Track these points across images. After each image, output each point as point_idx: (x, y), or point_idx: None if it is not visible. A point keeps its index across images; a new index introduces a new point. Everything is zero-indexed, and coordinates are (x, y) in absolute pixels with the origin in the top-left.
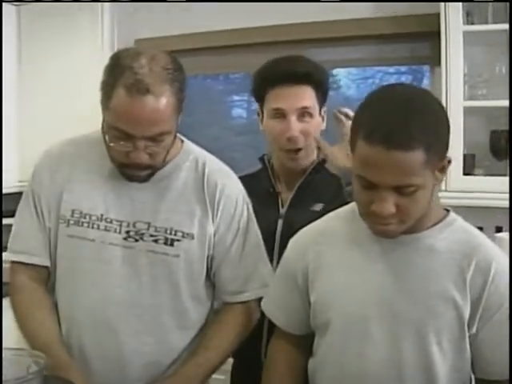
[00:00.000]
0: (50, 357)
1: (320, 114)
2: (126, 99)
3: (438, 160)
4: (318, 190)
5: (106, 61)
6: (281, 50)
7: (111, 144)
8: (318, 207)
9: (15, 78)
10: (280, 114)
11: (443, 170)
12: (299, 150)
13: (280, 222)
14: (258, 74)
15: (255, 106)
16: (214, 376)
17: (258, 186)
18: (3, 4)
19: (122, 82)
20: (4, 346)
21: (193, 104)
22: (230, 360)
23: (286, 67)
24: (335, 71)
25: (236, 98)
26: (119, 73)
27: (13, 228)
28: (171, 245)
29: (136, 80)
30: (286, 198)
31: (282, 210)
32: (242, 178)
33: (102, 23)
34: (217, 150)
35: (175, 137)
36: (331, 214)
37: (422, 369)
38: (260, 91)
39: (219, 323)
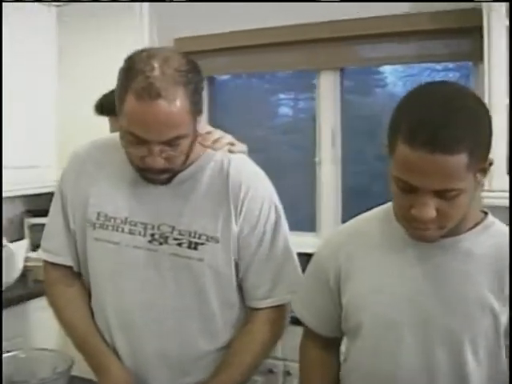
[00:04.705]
0: (88, 346)
1: None
2: (137, 104)
3: (481, 162)
4: None
5: None
6: (325, 47)
7: (127, 149)
8: None
9: (55, 79)
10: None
11: (484, 172)
12: None
13: None
14: None
15: (302, 104)
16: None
17: None
18: (43, 5)
19: (133, 86)
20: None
21: (238, 103)
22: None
23: None
24: (381, 69)
25: (282, 96)
26: (131, 77)
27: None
28: (195, 248)
29: (147, 84)
30: None
31: None
32: None
33: (142, 23)
34: (263, 149)
35: (195, 139)
36: (367, 214)
37: (456, 378)
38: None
39: (245, 335)
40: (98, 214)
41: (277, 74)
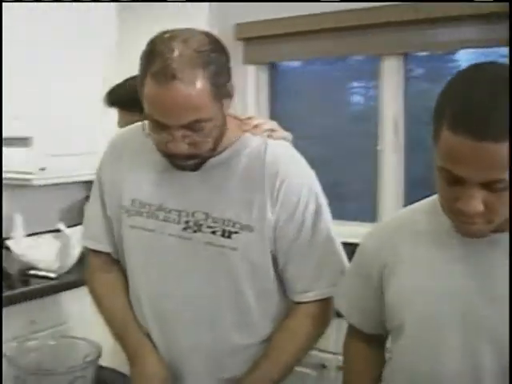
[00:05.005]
0: (125, 335)
1: None
2: (154, 87)
3: None
4: None
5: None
6: (387, 32)
7: (152, 135)
8: None
9: (114, 66)
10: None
11: None
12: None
13: None
14: None
15: (372, 92)
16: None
17: None
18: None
19: (151, 69)
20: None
21: (307, 91)
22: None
23: None
24: (456, 56)
25: (355, 84)
26: (150, 59)
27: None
28: (229, 237)
29: (163, 66)
30: None
31: None
32: None
33: (202, 9)
34: (333, 137)
35: (223, 123)
36: (413, 206)
37: (503, 380)
38: None
39: (285, 330)
40: (133, 200)
41: (348, 60)
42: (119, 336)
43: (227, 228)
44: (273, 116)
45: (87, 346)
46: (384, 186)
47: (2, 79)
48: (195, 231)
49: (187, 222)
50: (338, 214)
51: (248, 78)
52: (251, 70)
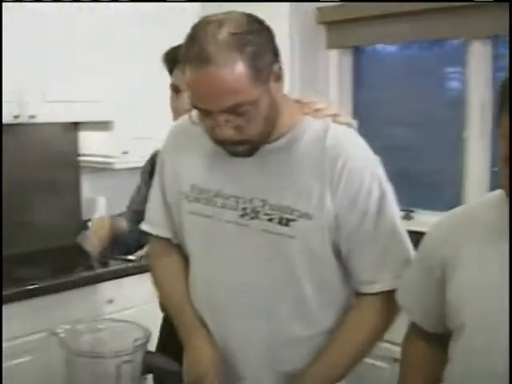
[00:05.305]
0: (180, 320)
1: None
2: (191, 73)
3: None
4: None
5: (285, 31)
6: (474, 13)
7: (201, 122)
8: None
9: None
10: None
11: None
12: None
13: None
14: None
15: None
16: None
17: None
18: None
19: (189, 55)
20: None
21: (398, 76)
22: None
23: None
24: None
25: (450, 69)
26: (189, 45)
27: None
28: (286, 225)
29: (199, 51)
30: None
31: None
32: None
33: None
34: (425, 124)
35: (274, 107)
36: (484, 198)
37: None
38: None
39: (350, 322)
40: (192, 186)
41: (443, 45)
42: (175, 319)
43: (285, 215)
44: (356, 102)
45: (137, 330)
46: (469, 174)
47: (1, 67)
48: (252, 218)
49: (244, 209)
50: (427, 204)
51: (330, 63)
52: (334, 54)
